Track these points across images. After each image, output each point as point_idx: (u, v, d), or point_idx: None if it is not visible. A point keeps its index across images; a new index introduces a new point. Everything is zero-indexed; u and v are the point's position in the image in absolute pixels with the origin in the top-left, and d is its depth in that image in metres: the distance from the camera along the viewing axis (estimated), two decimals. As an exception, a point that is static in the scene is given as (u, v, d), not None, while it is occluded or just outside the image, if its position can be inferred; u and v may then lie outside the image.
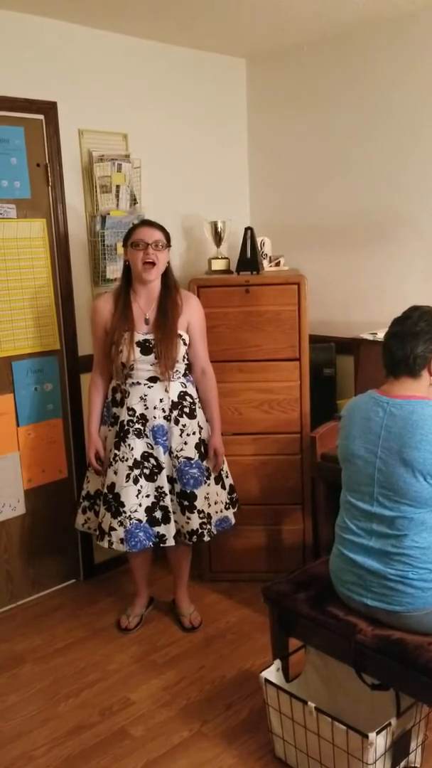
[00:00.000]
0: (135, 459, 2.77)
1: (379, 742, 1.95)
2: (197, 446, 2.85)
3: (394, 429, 2.03)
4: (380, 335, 3.08)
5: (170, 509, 2.80)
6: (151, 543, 2.80)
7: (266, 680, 2.21)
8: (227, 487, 3.03)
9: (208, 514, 2.88)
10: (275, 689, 2.18)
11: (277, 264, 3.52)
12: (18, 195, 3.05)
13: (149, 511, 2.79)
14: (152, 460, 2.79)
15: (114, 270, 3.30)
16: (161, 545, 2.82)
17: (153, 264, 2.69)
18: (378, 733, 1.94)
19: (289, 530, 3.34)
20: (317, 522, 3.21)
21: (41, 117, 3.07)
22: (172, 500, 2.82)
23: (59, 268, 3.23)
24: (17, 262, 3.09)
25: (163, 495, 2.80)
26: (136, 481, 2.76)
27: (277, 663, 2.28)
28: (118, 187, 3.28)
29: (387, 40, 3.21)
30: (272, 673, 2.25)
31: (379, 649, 2.02)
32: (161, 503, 2.80)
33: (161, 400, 2.77)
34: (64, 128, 3.14)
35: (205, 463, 2.88)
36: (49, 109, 3.08)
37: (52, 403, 3.31)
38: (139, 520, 2.76)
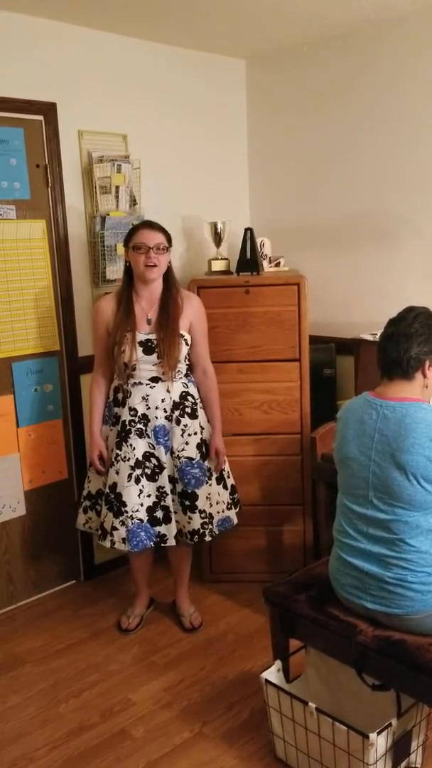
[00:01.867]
0: (137, 459, 2.77)
1: (380, 742, 1.95)
2: (199, 446, 2.85)
3: (387, 432, 2.02)
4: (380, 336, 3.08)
5: (171, 509, 2.81)
6: (152, 543, 2.80)
7: (267, 681, 2.21)
8: (229, 487, 3.04)
9: (210, 514, 2.88)
10: (276, 690, 2.18)
11: (277, 264, 3.52)
12: (18, 196, 3.06)
13: (150, 510, 2.80)
14: (154, 460, 2.79)
15: (114, 271, 3.31)
16: (162, 545, 2.82)
17: (155, 266, 2.70)
18: (379, 733, 1.94)
19: (289, 531, 3.34)
20: (318, 523, 3.21)
21: (41, 118, 3.07)
22: (173, 500, 2.82)
23: (59, 269, 3.23)
24: (17, 263, 3.09)
25: (164, 495, 2.80)
26: (137, 480, 2.77)
27: (278, 664, 2.28)
28: (117, 187, 3.28)
29: (387, 41, 3.22)
30: (273, 674, 2.25)
31: (380, 650, 2.02)
32: (162, 503, 2.80)
33: (163, 400, 2.78)
34: (63, 129, 3.14)
35: (206, 463, 2.88)
36: (48, 110, 3.08)
37: (53, 404, 3.31)
38: (141, 520, 2.77)
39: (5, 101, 2.94)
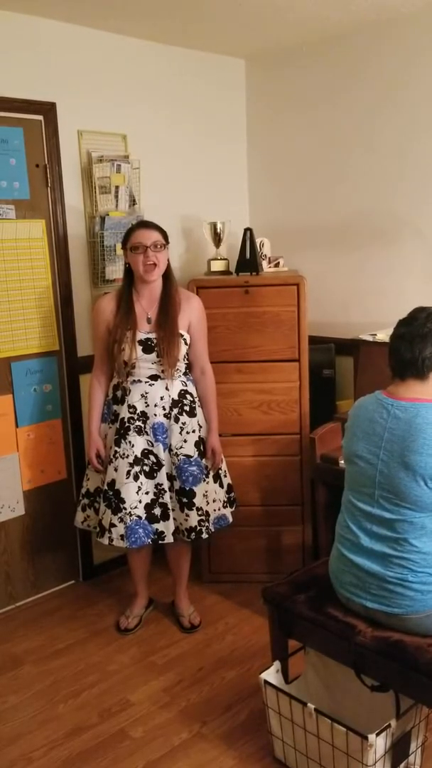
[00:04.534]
0: (135, 456, 2.78)
1: (379, 743, 1.95)
2: (197, 444, 2.85)
3: (397, 432, 2.02)
4: (380, 336, 3.08)
5: (169, 506, 2.81)
6: (149, 540, 2.80)
7: (266, 681, 2.21)
8: (225, 485, 3.04)
9: (206, 511, 2.88)
10: (275, 691, 2.18)
11: (277, 265, 3.52)
12: (17, 196, 3.05)
13: (148, 508, 2.80)
14: (152, 458, 2.80)
15: (113, 271, 3.31)
16: (160, 542, 2.82)
17: (154, 265, 2.70)
18: (378, 734, 1.94)
19: (288, 531, 3.34)
20: (317, 523, 3.21)
21: (40, 118, 3.07)
22: (171, 497, 2.83)
23: (58, 269, 3.22)
24: (16, 263, 3.09)
25: (162, 492, 2.80)
26: (136, 478, 2.77)
27: (277, 664, 2.28)
28: (117, 187, 3.28)
29: (386, 42, 3.21)
30: (272, 675, 2.25)
31: (379, 651, 2.02)
32: (160, 500, 2.81)
33: (162, 398, 2.78)
34: (63, 129, 3.14)
35: (204, 461, 2.88)
36: (48, 109, 3.08)
37: (52, 403, 3.31)
38: (139, 517, 2.77)
39: (5, 101, 2.94)
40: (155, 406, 2.78)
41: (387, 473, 2.03)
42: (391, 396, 2.10)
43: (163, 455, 2.79)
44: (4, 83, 2.93)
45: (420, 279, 3.30)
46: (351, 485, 2.18)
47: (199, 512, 2.83)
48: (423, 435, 1.97)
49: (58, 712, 2.59)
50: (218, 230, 3.44)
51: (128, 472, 2.77)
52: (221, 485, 3.02)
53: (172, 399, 2.80)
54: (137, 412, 2.78)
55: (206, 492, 2.89)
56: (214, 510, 2.95)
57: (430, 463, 1.96)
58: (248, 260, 3.26)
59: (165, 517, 2.81)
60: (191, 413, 2.85)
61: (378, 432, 2.07)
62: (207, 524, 2.88)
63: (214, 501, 2.95)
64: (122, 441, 2.78)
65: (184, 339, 2.81)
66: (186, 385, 2.86)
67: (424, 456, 1.96)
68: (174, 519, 2.83)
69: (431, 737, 2.28)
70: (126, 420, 2.78)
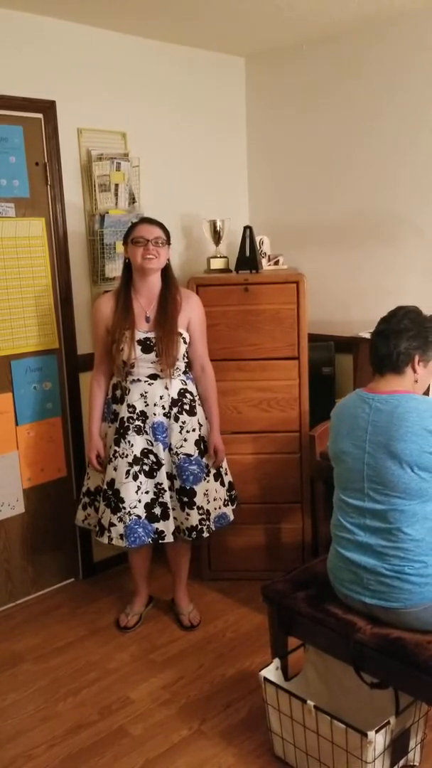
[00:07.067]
0: (135, 455, 2.78)
1: (378, 740, 1.95)
2: (197, 443, 2.85)
3: (380, 423, 2.06)
4: (379, 334, 3.08)
5: (169, 506, 2.81)
6: (149, 539, 2.80)
7: (265, 679, 2.21)
8: (226, 484, 3.04)
9: (207, 510, 2.88)
10: (274, 688, 2.18)
11: (276, 263, 3.52)
12: (17, 194, 3.05)
13: (148, 507, 2.80)
14: (152, 457, 2.80)
15: (113, 269, 3.31)
16: (160, 541, 2.83)
17: (153, 257, 2.70)
18: (377, 731, 1.94)
19: (288, 529, 3.34)
20: (316, 520, 3.22)
21: (40, 116, 3.07)
22: (171, 497, 2.83)
23: (58, 267, 3.22)
24: (16, 261, 3.09)
25: (162, 491, 2.80)
26: (135, 477, 2.77)
27: (276, 662, 2.29)
28: (116, 185, 3.28)
29: (386, 39, 3.21)
30: (271, 672, 2.25)
31: (379, 648, 2.02)
32: (160, 500, 2.81)
33: (161, 397, 2.78)
34: (63, 127, 3.14)
35: (204, 459, 2.88)
36: (47, 107, 3.08)
37: (51, 401, 3.31)
38: (138, 516, 2.78)
39: (4, 99, 2.94)
40: (155, 405, 2.78)
41: (374, 465, 2.06)
42: (371, 391, 2.15)
43: (163, 454, 2.79)
44: (3, 81, 2.93)
45: (420, 277, 3.30)
46: (340, 484, 2.21)
47: (200, 511, 2.84)
48: (406, 423, 2.01)
49: (58, 709, 2.59)
50: (218, 228, 3.44)
51: (127, 472, 2.77)
52: (222, 483, 3.02)
53: (172, 398, 2.80)
54: (137, 411, 2.78)
55: (207, 491, 2.90)
56: (215, 508, 2.95)
57: (415, 449, 1.99)
58: (248, 258, 3.27)
59: (165, 516, 2.81)
60: (191, 412, 2.85)
61: (362, 426, 2.11)
62: (208, 523, 2.88)
63: (214, 500, 2.95)
64: (122, 440, 2.78)
65: (183, 338, 2.81)
66: (186, 384, 2.86)
67: (409, 443, 2.00)
68: (174, 518, 2.84)
69: (430, 734, 2.29)
70: (125, 419, 2.79)
